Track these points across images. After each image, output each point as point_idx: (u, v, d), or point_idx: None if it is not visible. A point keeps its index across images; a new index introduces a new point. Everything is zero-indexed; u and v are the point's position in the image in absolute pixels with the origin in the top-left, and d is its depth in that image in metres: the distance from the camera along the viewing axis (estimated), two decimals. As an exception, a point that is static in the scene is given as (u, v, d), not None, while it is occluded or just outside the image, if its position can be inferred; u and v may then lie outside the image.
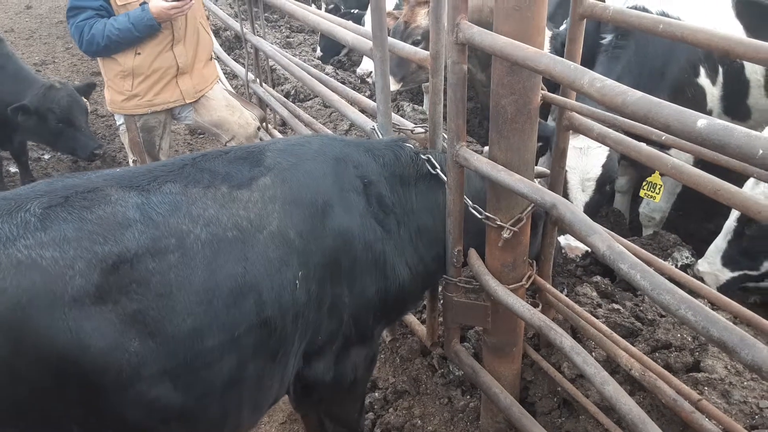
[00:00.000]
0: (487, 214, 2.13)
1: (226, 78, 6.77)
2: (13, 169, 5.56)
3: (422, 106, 5.93)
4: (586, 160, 3.30)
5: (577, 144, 3.25)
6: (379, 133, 2.74)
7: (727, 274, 3.02)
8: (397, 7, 5.77)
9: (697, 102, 3.76)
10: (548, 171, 2.46)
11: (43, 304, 1.46)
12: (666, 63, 3.70)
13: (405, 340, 3.22)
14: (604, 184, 3.37)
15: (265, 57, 5.06)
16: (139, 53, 3.59)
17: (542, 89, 2.06)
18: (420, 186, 2.27)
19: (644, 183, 3.26)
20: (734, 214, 3.02)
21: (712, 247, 3.12)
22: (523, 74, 1.90)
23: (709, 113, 3.78)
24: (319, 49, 7.62)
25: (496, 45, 1.76)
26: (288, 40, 8.27)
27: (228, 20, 6.16)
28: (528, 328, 2.61)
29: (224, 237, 1.72)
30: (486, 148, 2.24)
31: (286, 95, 6.07)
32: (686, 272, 2.83)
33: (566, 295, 2.52)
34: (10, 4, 10.69)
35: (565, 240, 3.44)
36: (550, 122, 3.19)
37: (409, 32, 4.70)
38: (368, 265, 2.06)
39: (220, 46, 7.40)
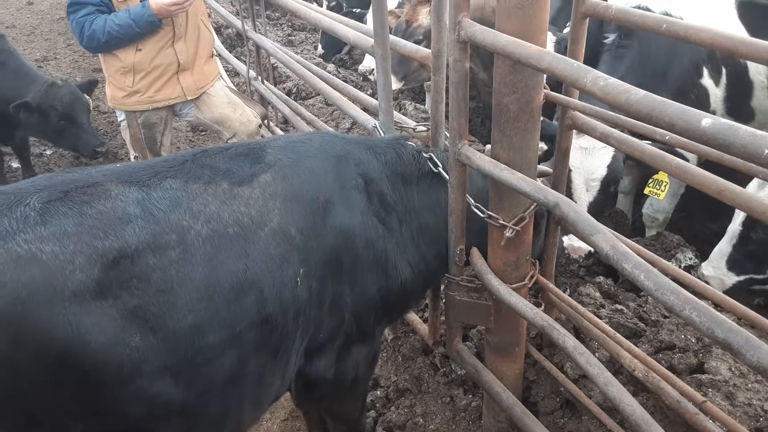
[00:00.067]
0: (489, 212, 2.12)
1: (228, 75, 6.76)
2: (15, 164, 5.55)
3: (424, 105, 5.92)
4: (591, 160, 3.28)
5: (582, 144, 3.24)
6: (380, 131, 2.73)
7: (732, 279, 3.00)
8: (399, 5, 5.75)
9: (701, 103, 3.74)
10: (551, 170, 2.45)
11: (43, 298, 1.45)
12: (669, 64, 3.68)
13: (407, 339, 3.21)
14: (609, 184, 3.35)
15: (266, 54, 5.04)
16: (140, 49, 3.59)
17: (545, 88, 2.05)
18: (422, 184, 2.26)
19: (650, 180, 3.24)
20: (738, 218, 2.99)
21: (716, 250, 3.09)
22: (525, 73, 1.88)
23: (713, 114, 3.75)
24: (320, 46, 7.60)
25: (498, 43, 1.75)
26: (290, 38, 8.26)
27: (229, 17, 6.15)
28: (530, 328, 2.60)
29: (225, 233, 1.71)
30: (488, 146, 2.23)
31: (288, 93, 6.06)
32: (690, 273, 2.82)
33: (569, 296, 2.51)
34: (11, 0, 10.68)
35: (568, 240, 3.42)
36: (556, 122, 3.18)
37: (410, 31, 4.69)
38: (369, 263, 2.06)
39: (222, 43, 7.38)
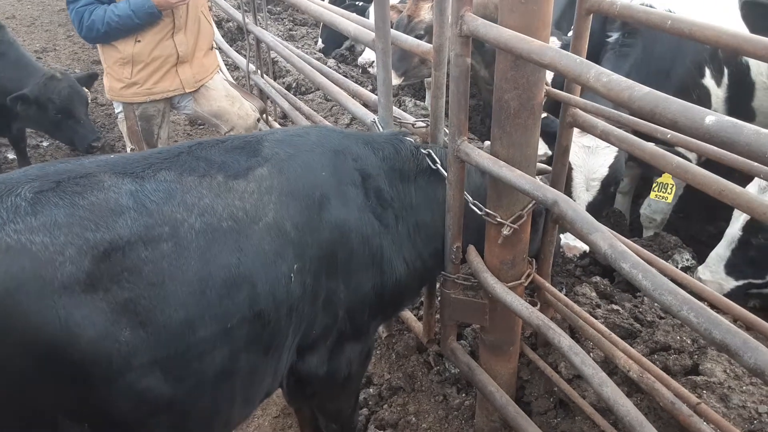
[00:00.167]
0: (487, 210, 2.10)
1: (228, 69, 6.73)
2: (11, 155, 5.52)
3: (424, 102, 5.89)
4: (593, 159, 3.26)
5: (585, 142, 3.22)
6: (379, 126, 2.71)
7: (731, 283, 2.98)
8: (402, 0, 5.72)
9: (702, 103, 3.71)
10: (550, 168, 2.43)
11: (32, 290, 1.43)
12: (672, 63, 3.66)
13: (401, 337, 3.20)
14: (610, 185, 3.33)
15: (266, 48, 5.02)
16: (139, 41, 3.56)
17: (546, 85, 2.03)
18: (419, 181, 2.24)
19: (654, 184, 3.22)
20: (738, 222, 2.96)
21: (713, 255, 3.06)
22: (527, 68, 1.87)
23: (714, 115, 3.73)
24: (320, 41, 7.55)
25: (500, 38, 1.73)
26: (291, 32, 8.22)
27: (230, 10, 6.11)
28: (525, 327, 2.58)
29: (219, 227, 1.69)
30: (486, 143, 2.21)
31: (288, 88, 6.03)
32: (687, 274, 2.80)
33: (565, 295, 2.49)
34: (12, -10, 10.64)
35: (564, 239, 3.41)
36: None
37: (412, 26, 4.66)
38: (365, 259, 2.04)
39: (222, 37, 7.35)
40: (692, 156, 3.36)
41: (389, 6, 2.55)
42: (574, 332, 2.54)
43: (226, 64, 6.66)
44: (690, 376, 2.34)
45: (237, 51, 6.75)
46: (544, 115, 2.23)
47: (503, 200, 2.09)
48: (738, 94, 3.83)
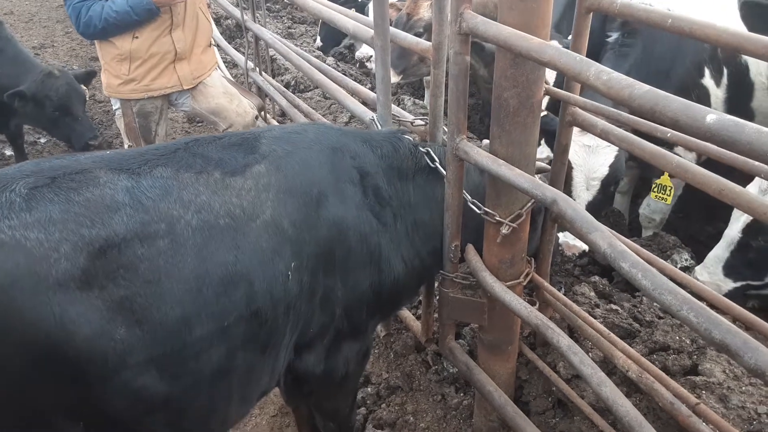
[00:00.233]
0: (486, 209, 2.09)
1: (226, 67, 6.71)
2: (8, 152, 5.50)
3: (423, 100, 5.88)
4: (593, 158, 3.25)
5: (585, 141, 3.21)
6: (378, 124, 2.70)
7: (729, 285, 2.96)
8: (401, -1, 5.70)
9: (701, 104, 3.70)
10: (549, 167, 2.42)
11: (26, 286, 1.41)
12: (672, 63, 3.66)
13: (399, 336, 3.19)
14: (610, 184, 3.32)
15: (265, 46, 5.00)
16: (136, 37, 3.54)
17: (546, 83, 2.02)
18: (418, 179, 2.23)
19: (654, 185, 3.21)
20: (738, 224, 2.95)
21: (711, 256, 3.05)
22: (526, 66, 1.85)
23: (713, 115, 3.73)
24: (318, 39, 7.52)
25: (500, 35, 1.72)
26: (290, 30, 8.20)
27: (229, 8, 6.10)
28: (524, 327, 2.57)
29: (216, 224, 1.68)
30: (485, 141, 2.20)
31: (286, 86, 6.01)
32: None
33: (564, 295, 2.48)
34: (10, -14, 10.60)
35: (563, 237, 3.40)
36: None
37: (411, 24, 4.65)
38: (362, 257, 2.03)
39: (221, 34, 7.33)
40: (692, 156, 3.35)
41: (388, 3, 2.54)
42: (572, 332, 2.53)
43: (224, 62, 6.64)
44: (689, 377, 2.33)
45: (236, 48, 6.73)
46: (543, 113, 2.22)
47: (502, 199, 2.08)
48: (737, 95, 3.83)
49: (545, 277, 2.49)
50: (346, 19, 3.09)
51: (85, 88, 4.92)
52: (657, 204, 3.89)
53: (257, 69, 5.15)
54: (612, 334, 2.19)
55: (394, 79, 4.48)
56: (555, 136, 2.32)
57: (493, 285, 2.12)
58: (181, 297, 1.59)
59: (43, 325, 1.44)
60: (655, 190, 3.18)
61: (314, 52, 7.02)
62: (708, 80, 3.75)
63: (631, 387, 2.30)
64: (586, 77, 1.45)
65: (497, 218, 2.06)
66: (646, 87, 1.32)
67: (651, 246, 3.48)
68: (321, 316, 1.97)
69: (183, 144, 1.84)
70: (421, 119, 2.78)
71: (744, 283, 2.99)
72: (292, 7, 9.16)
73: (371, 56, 5.06)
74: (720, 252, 3.01)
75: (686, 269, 3.27)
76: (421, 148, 2.25)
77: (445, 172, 2.15)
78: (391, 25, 2.66)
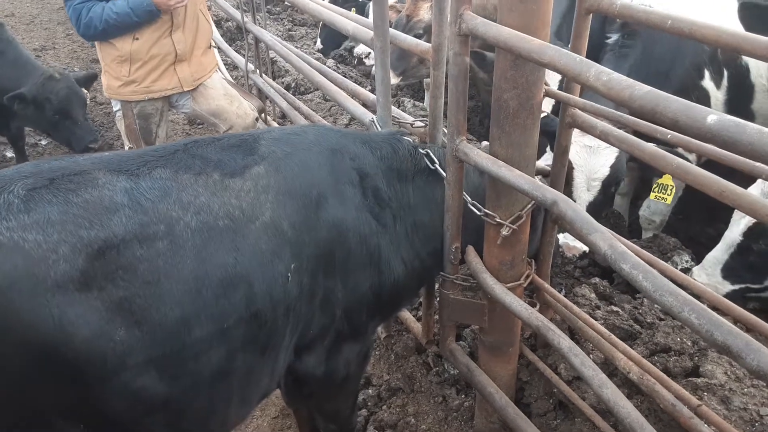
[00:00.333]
0: (486, 210, 2.09)
1: (227, 69, 6.72)
2: (10, 153, 5.50)
3: (423, 102, 5.88)
4: (594, 159, 3.25)
5: (586, 142, 3.21)
6: (377, 126, 2.69)
7: (728, 287, 2.94)
8: (400, 0, 5.70)
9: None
10: (549, 168, 2.41)
11: (25, 288, 1.41)
12: (671, 65, 3.65)
13: (400, 337, 3.18)
14: (610, 185, 3.32)
15: (265, 48, 5.01)
16: (137, 38, 3.55)
17: (546, 85, 2.02)
18: (417, 181, 2.23)
19: (654, 185, 3.20)
20: (739, 227, 2.93)
21: (710, 258, 3.03)
22: (526, 68, 1.85)
23: (713, 116, 3.72)
24: (319, 41, 7.53)
25: (500, 36, 1.72)
26: (290, 32, 8.21)
27: (230, 10, 6.10)
28: (525, 328, 2.57)
29: (215, 226, 1.68)
30: (484, 143, 2.19)
31: (287, 88, 6.02)
32: (685, 276, 2.78)
33: (564, 296, 2.48)
34: (11, -12, 10.62)
35: (563, 238, 3.40)
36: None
37: (411, 25, 4.66)
38: (362, 259, 2.02)
39: (222, 36, 7.34)
40: (692, 157, 3.35)
41: (388, 5, 2.54)
42: (573, 333, 2.53)
43: (225, 64, 6.65)
44: (690, 378, 2.32)
45: (236, 50, 6.73)
46: (544, 113, 2.21)
47: (502, 200, 2.07)
48: (737, 97, 3.82)
49: (546, 278, 2.49)
50: (346, 20, 3.09)
51: (86, 91, 4.92)
52: (657, 206, 3.89)
53: (257, 71, 5.15)
54: (613, 336, 2.18)
55: (394, 80, 4.49)
56: (554, 136, 2.32)
57: (493, 286, 2.12)
58: (181, 298, 1.59)
59: (41, 327, 1.43)
60: (656, 190, 3.17)
61: (314, 54, 7.02)
62: (708, 82, 3.74)
63: (632, 389, 2.29)
64: (586, 78, 1.45)
65: (497, 220, 2.06)
66: (647, 88, 1.32)
67: (651, 248, 3.47)
68: (321, 317, 1.97)
69: (182, 145, 1.83)
70: (420, 121, 2.77)
71: (743, 286, 2.97)
72: (292, 9, 9.17)
73: (369, 53, 5.05)
74: (719, 254, 2.99)
75: (686, 271, 3.26)
76: (420, 150, 2.25)
77: (444, 174, 2.14)
78: (390, 26, 2.66)
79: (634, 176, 4.23)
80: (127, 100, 3.76)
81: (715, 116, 1.17)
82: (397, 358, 3.10)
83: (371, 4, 2.92)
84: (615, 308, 2.78)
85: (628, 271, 1.49)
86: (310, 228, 1.87)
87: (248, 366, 1.79)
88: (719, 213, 3.74)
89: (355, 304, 2.05)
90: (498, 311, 2.27)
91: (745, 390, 2.23)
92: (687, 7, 3.65)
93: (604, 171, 3.26)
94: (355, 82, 5.14)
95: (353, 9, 6.33)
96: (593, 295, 2.92)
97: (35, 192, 1.50)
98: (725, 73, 3.77)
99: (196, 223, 1.65)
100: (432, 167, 2.21)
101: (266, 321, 1.76)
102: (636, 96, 1.32)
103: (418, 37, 4.42)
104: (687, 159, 2.11)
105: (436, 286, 2.59)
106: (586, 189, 3.31)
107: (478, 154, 1.98)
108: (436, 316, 2.74)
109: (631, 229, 4.31)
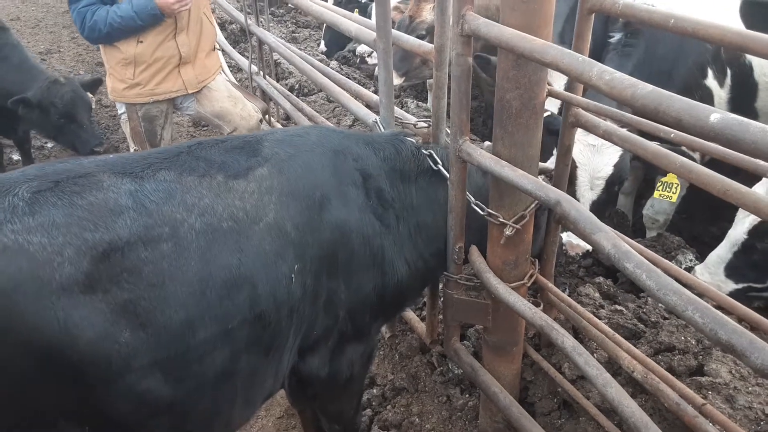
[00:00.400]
0: (489, 210, 2.09)
1: (231, 71, 6.73)
2: (16, 156, 5.53)
3: (426, 103, 5.88)
4: (598, 158, 3.24)
5: (590, 141, 3.20)
6: (380, 127, 2.70)
7: (730, 286, 2.93)
8: (403, 1, 5.71)
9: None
10: (552, 167, 2.41)
11: (30, 290, 1.42)
12: (674, 64, 3.64)
13: (404, 337, 3.18)
14: (614, 184, 3.31)
15: (269, 50, 5.02)
16: (141, 41, 3.56)
17: (549, 84, 2.02)
18: (420, 181, 2.23)
19: (659, 183, 3.18)
20: (743, 226, 2.92)
21: (713, 256, 3.02)
22: (529, 68, 1.85)
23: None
24: (323, 43, 7.54)
25: (502, 36, 1.72)
26: (293, 35, 8.23)
27: (233, 12, 6.12)
28: (529, 328, 2.57)
29: (219, 227, 1.68)
30: (487, 143, 2.19)
31: (291, 90, 6.03)
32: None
33: (568, 296, 2.48)
34: (16, -8, 10.68)
35: (566, 237, 3.39)
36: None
37: (413, 26, 4.66)
38: (366, 259, 2.02)
39: (225, 39, 7.36)
40: (695, 156, 3.33)
41: (390, 6, 2.54)
42: (577, 333, 2.53)
43: (229, 66, 6.67)
44: (695, 377, 2.32)
45: (240, 53, 6.75)
46: (547, 113, 2.21)
47: (505, 200, 2.07)
48: (741, 95, 3.80)
49: (549, 278, 2.49)
50: (349, 22, 3.10)
51: (91, 95, 4.94)
52: (661, 204, 3.88)
53: (261, 73, 5.16)
54: (617, 335, 2.18)
55: (397, 81, 4.50)
56: (558, 134, 2.31)
57: (497, 286, 2.12)
58: (185, 300, 1.60)
59: (46, 329, 1.44)
60: (660, 188, 3.16)
61: (318, 55, 7.04)
62: (711, 81, 3.73)
63: (636, 388, 2.29)
64: (588, 77, 1.45)
65: (501, 220, 2.06)
66: (650, 87, 1.32)
67: (655, 247, 3.47)
68: (325, 318, 1.97)
69: (186, 147, 1.84)
70: (423, 121, 2.78)
71: (746, 284, 2.96)
72: (295, 11, 9.19)
73: (372, 51, 5.06)
74: (722, 253, 2.98)
75: (690, 270, 3.25)
76: (423, 150, 2.25)
77: (448, 174, 2.14)
78: (393, 27, 2.67)
79: (637, 175, 4.22)
80: (132, 103, 3.77)
81: (718, 115, 1.17)
82: (402, 358, 3.10)
83: (374, 5, 2.93)
84: (619, 307, 2.78)
85: (631, 270, 1.49)
86: (314, 229, 1.87)
87: (252, 367, 1.79)
88: (723, 212, 3.73)
89: (358, 305, 2.05)
90: (502, 311, 2.27)
91: (750, 389, 2.23)
92: (688, 6, 3.64)
93: (608, 170, 3.25)
94: (359, 84, 5.16)
95: (356, 10, 6.33)
96: (597, 295, 2.92)
97: (40, 195, 1.51)
98: (728, 71, 3.75)
99: (200, 225, 1.65)
100: (435, 168, 2.21)
101: (270, 322, 1.77)
102: (639, 95, 1.32)
103: (421, 38, 4.42)
104: (692, 158, 2.10)
105: (440, 285, 2.59)
106: (589, 188, 3.31)
107: (481, 154, 1.98)
108: (440, 316, 2.74)
109: (634, 229, 4.30)
